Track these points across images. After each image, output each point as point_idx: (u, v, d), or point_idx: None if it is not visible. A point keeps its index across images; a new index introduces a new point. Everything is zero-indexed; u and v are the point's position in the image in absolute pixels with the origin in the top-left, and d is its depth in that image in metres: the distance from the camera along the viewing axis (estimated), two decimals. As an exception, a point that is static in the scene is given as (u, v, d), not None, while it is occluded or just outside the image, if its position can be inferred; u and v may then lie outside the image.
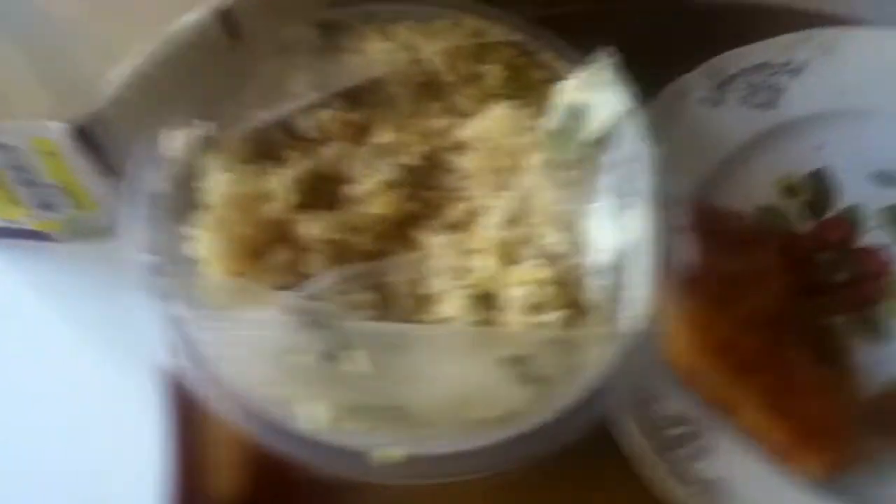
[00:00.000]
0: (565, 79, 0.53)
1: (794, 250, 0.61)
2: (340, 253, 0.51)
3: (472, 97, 0.55)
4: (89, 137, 0.53)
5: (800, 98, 0.65)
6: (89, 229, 0.58)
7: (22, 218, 0.59)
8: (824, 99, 0.65)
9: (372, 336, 0.47)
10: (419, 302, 0.50)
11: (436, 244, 0.51)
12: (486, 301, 0.49)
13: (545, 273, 0.49)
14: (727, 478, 0.53)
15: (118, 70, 0.52)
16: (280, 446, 0.46)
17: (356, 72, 0.55)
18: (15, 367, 0.59)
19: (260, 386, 0.47)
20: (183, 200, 0.51)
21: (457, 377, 0.47)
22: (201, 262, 0.50)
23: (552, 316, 0.48)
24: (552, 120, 0.52)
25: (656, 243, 0.49)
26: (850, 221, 0.61)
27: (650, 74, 0.62)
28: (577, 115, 0.52)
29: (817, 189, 0.63)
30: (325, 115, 0.54)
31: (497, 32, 0.56)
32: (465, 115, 0.55)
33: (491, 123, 0.53)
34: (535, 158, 0.52)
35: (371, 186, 0.52)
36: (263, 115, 0.53)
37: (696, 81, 0.65)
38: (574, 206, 0.51)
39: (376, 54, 0.55)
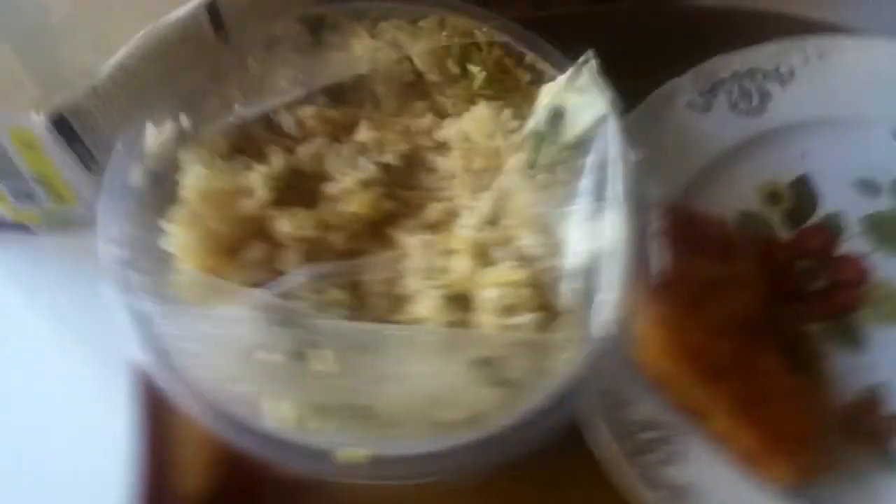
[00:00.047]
0: (549, 81, 0.53)
1: (774, 257, 0.61)
2: (316, 251, 0.51)
3: (457, 97, 0.55)
4: (69, 129, 0.53)
5: (787, 105, 0.65)
6: (68, 222, 0.58)
7: (0, 209, 0.59)
8: (811, 107, 0.65)
9: (342, 335, 0.47)
10: (393, 301, 0.50)
11: (411, 244, 0.51)
12: (459, 302, 0.49)
13: (519, 275, 0.49)
14: (697, 483, 0.53)
15: (102, 62, 0.52)
16: (246, 444, 0.46)
17: (341, 69, 0.55)
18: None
19: (227, 383, 0.47)
20: (162, 194, 0.51)
21: (426, 378, 0.47)
22: (175, 257, 0.50)
23: (525, 318, 0.48)
24: (533, 122, 0.52)
25: (630, 247, 0.49)
26: (830, 229, 0.62)
27: (638, 77, 0.63)
28: (557, 117, 0.52)
29: (799, 196, 0.63)
30: (306, 111, 0.54)
31: (484, 33, 0.56)
32: (449, 115, 0.55)
33: (471, 124, 0.53)
34: (515, 160, 0.52)
35: (349, 184, 0.52)
36: (245, 111, 0.53)
37: (684, 86, 0.65)
38: (551, 209, 0.51)
39: (362, 52, 0.55)
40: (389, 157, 0.53)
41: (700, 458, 0.54)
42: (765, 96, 0.65)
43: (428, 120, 0.55)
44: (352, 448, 0.45)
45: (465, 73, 0.56)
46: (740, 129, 0.64)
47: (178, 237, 0.50)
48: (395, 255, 0.51)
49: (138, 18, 0.52)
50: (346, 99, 0.56)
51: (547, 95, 0.53)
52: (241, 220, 0.51)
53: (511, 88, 0.55)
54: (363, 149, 0.54)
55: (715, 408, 0.53)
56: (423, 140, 0.54)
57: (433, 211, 0.52)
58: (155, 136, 0.51)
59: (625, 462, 0.53)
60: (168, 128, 0.52)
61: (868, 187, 0.63)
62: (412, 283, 0.50)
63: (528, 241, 0.50)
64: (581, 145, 0.51)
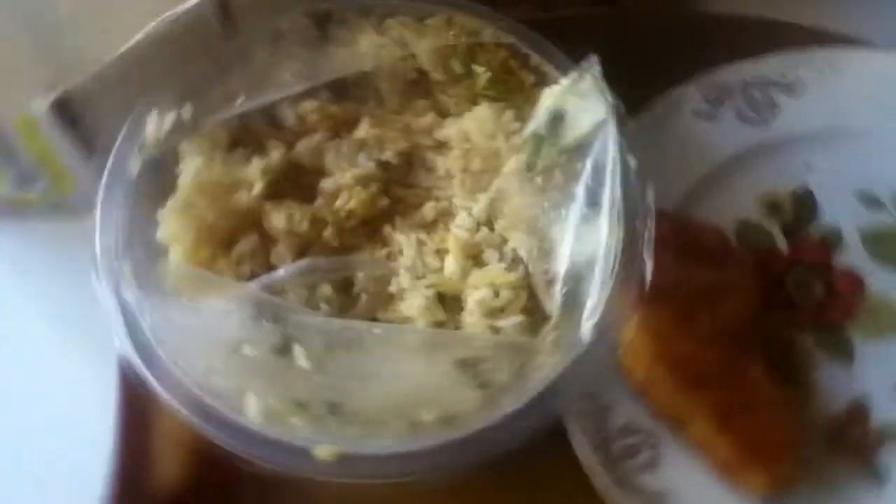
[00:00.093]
0: (553, 84, 0.54)
1: (770, 267, 0.61)
2: (308, 245, 0.51)
3: (460, 97, 0.56)
4: (70, 115, 0.53)
5: (794, 116, 0.65)
6: (67, 207, 0.59)
7: (1, 191, 0.59)
8: (818, 118, 0.65)
9: (326, 332, 0.47)
10: (382, 299, 0.50)
11: (404, 242, 0.51)
12: (447, 302, 0.50)
13: (509, 277, 0.50)
14: (674, 491, 0.53)
15: (109, 50, 0.52)
16: (224, 439, 0.46)
17: (346, 64, 0.55)
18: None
19: (208, 376, 0.47)
20: (161, 184, 0.52)
21: (409, 377, 0.47)
22: (168, 247, 0.50)
23: (511, 321, 0.49)
24: (533, 124, 0.53)
25: (621, 254, 0.49)
26: (828, 241, 0.61)
27: (644, 82, 0.63)
28: (557, 120, 0.52)
29: (799, 207, 0.63)
30: (307, 106, 0.54)
31: (490, 33, 0.56)
32: (451, 114, 0.56)
33: (472, 124, 0.54)
34: (513, 162, 0.52)
35: (345, 181, 0.52)
36: (248, 103, 0.53)
37: (692, 93, 0.65)
38: (546, 212, 0.51)
39: (367, 48, 0.56)
40: (389, 155, 0.54)
41: (678, 466, 0.54)
42: (772, 106, 0.65)
43: (429, 118, 0.55)
44: (330, 446, 0.45)
45: (469, 72, 0.56)
46: (745, 138, 0.64)
47: (172, 228, 0.50)
48: (386, 252, 0.52)
49: (148, 8, 0.53)
50: (349, 94, 0.56)
51: (548, 98, 0.53)
52: (236, 213, 0.51)
53: (515, 90, 0.56)
54: (363, 145, 0.54)
55: (694, 415, 0.53)
56: (423, 139, 0.55)
57: (429, 210, 0.53)
58: (156, 125, 0.52)
59: (604, 466, 0.53)
60: (169, 118, 0.52)
61: (869, 201, 0.63)
62: (403, 282, 0.50)
63: (520, 243, 0.51)
64: (580, 149, 0.52)
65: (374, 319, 0.50)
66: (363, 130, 0.54)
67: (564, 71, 0.54)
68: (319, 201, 0.52)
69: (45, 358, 0.57)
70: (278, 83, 0.54)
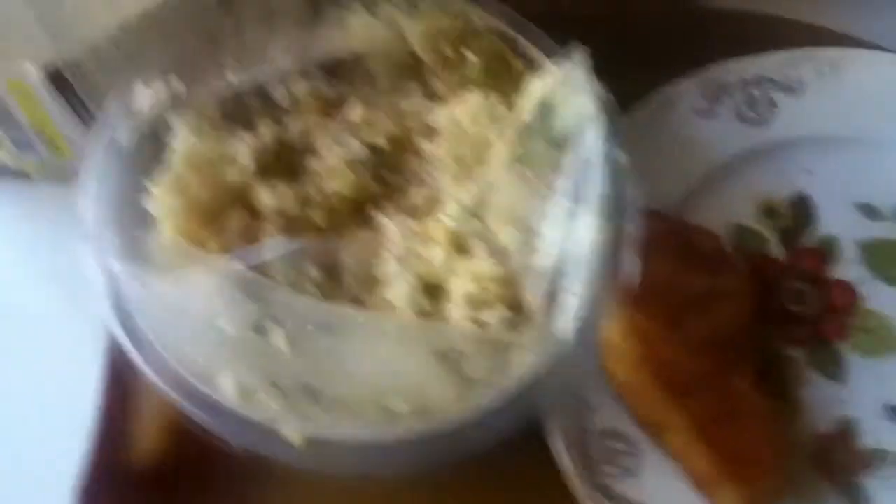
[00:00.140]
0: (544, 73, 0.52)
1: (765, 275, 0.59)
2: (295, 225, 0.51)
3: (451, 82, 0.55)
4: (66, 84, 0.53)
5: (794, 118, 0.63)
6: (65, 173, 0.57)
7: (2, 156, 0.59)
8: (819, 121, 0.63)
9: (305, 314, 0.47)
10: (366, 283, 0.50)
11: (391, 228, 0.51)
12: (431, 291, 0.49)
13: (494, 270, 0.48)
14: (648, 500, 0.52)
15: (111, 19, 0.52)
16: (196, 414, 0.46)
17: (338, 45, 0.55)
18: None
19: (185, 349, 0.47)
20: (150, 155, 0.52)
21: (385, 365, 0.47)
22: (156, 219, 0.50)
23: (493, 314, 0.48)
24: (523, 116, 0.51)
25: (603, 252, 0.48)
26: (826, 251, 0.60)
27: (645, 77, 0.61)
28: (545, 112, 0.51)
29: (798, 214, 0.61)
30: (299, 86, 0.54)
31: (482, 19, 0.55)
32: (442, 99, 0.55)
33: (463, 111, 0.53)
34: (502, 152, 0.51)
35: (334, 162, 0.52)
36: (239, 79, 0.53)
37: (690, 89, 0.63)
38: (532, 205, 0.50)
39: (360, 30, 0.55)
40: (378, 139, 0.53)
41: (656, 476, 0.53)
42: (772, 106, 0.63)
43: (420, 103, 0.54)
44: (300, 428, 0.45)
45: (460, 58, 0.55)
46: (743, 139, 0.62)
47: (161, 200, 0.50)
48: (372, 237, 0.51)
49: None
50: (340, 75, 0.55)
51: (537, 89, 0.52)
52: (225, 189, 0.51)
53: (505, 78, 0.55)
54: (353, 128, 0.53)
55: (675, 423, 0.52)
56: (413, 123, 0.54)
57: (417, 196, 0.52)
58: (146, 97, 0.52)
59: (581, 470, 0.52)
60: (160, 90, 0.52)
61: (869, 212, 0.61)
62: (388, 267, 0.50)
63: (505, 236, 0.49)
64: (567, 143, 0.50)
65: (359, 303, 0.49)
66: (353, 113, 0.54)
67: (556, 61, 0.53)
68: (308, 181, 0.52)
69: (35, 323, 0.58)
70: (271, 60, 0.54)
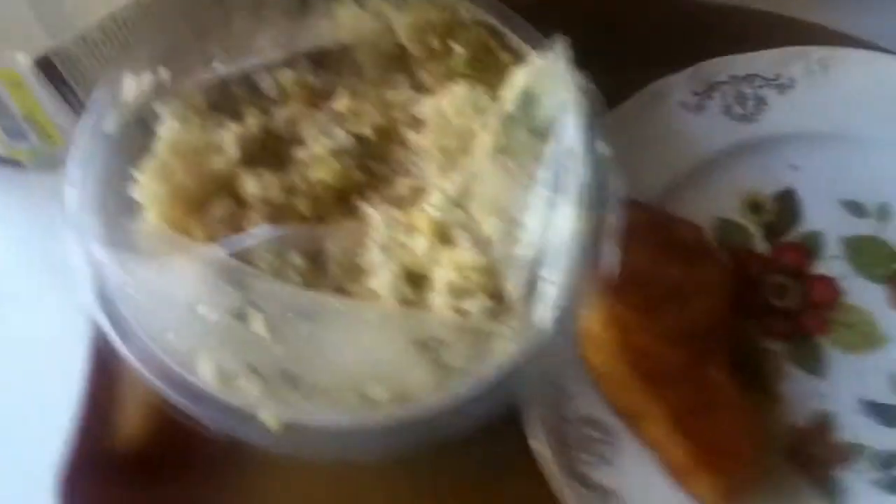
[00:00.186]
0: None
1: (747, 269, 0.60)
2: (281, 214, 0.51)
3: (438, 74, 0.55)
4: (55, 73, 0.54)
5: (782, 115, 0.63)
6: (57, 161, 0.58)
7: None
8: (807, 118, 0.63)
9: (286, 301, 0.47)
10: (350, 272, 0.50)
11: (375, 217, 0.51)
12: (414, 280, 0.50)
13: (476, 260, 0.49)
14: (625, 488, 0.53)
15: (99, 10, 0.53)
16: (175, 398, 0.46)
17: (325, 35, 0.55)
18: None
19: (165, 333, 0.47)
20: (137, 143, 0.52)
21: (364, 352, 0.47)
22: (141, 206, 0.51)
23: (475, 303, 0.48)
24: (506, 106, 0.52)
25: (583, 242, 0.48)
26: (808, 247, 0.60)
27: (636, 70, 0.62)
28: (527, 102, 0.52)
29: (782, 209, 0.61)
30: (285, 75, 0.54)
31: (469, 11, 0.56)
32: (428, 91, 0.55)
33: (448, 102, 0.53)
34: (485, 143, 0.51)
35: (319, 151, 0.52)
36: (226, 68, 0.54)
37: (679, 84, 0.63)
38: (514, 195, 0.50)
39: (347, 20, 0.55)
40: (364, 129, 0.54)
41: (632, 464, 0.53)
42: (761, 103, 0.63)
43: (406, 94, 0.55)
44: (277, 413, 0.45)
45: (447, 50, 0.55)
46: (731, 134, 0.63)
47: (147, 187, 0.51)
48: (356, 226, 0.51)
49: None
50: (328, 65, 0.56)
51: (520, 79, 0.52)
52: (210, 177, 0.51)
53: (492, 70, 0.55)
54: (339, 118, 0.54)
55: (651, 412, 0.52)
56: (399, 114, 0.54)
57: (401, 186, 0.53)
58: (133, 85, 0.52)
59: (558, 457, 0.53)
60: (147, 79, 0.52)
61: (855, 209, 0.61)
62: (373, 256, 0.50)
63: (488, 225, 0.50)
64: (548, 133, 0.51)
65: (343, 291, 0.50)
66: (340, 103, 0.54)
67: (539, 52, 0.53)
68: (293, 170, 0.52)
69: (24, 310, 0.59)
70: (258, 50, 0.54)
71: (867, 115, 0.63)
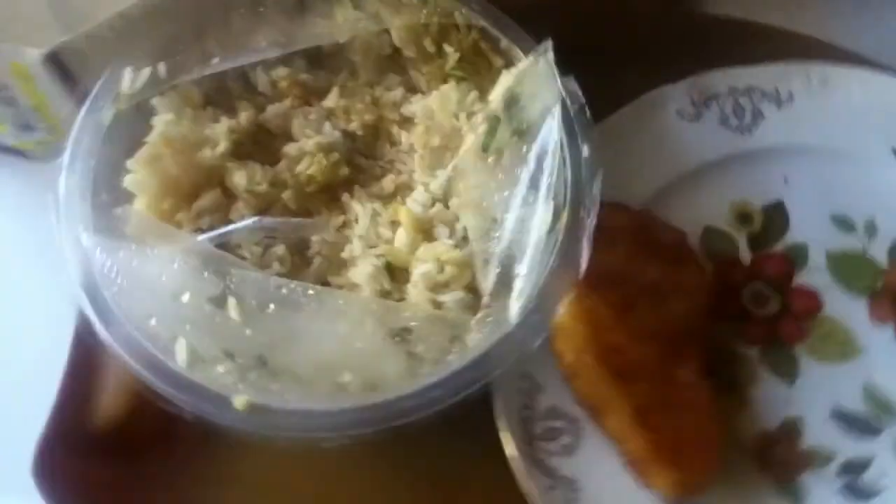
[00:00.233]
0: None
1: (729, 275, 0.61)
2: (268, 206, 0.53)
3: (430, 75, 0.57)
4: (63, 67, 0.55)
5: (778, 128, 0.64)
6: (60, 151, 0.59)
7: (1, 134, 0.62)
8: (802, 133, 0.63)
9: (263, 288, 0.49)
10: (335, 264, 0.52)
11: (359, 211, 0.53)
12: (396, 273, 0.51)
13: (454, 254, 0.51)
14: (584, 479, 0.54)
15: (109, 7, 0.55)
16: (151, 379, 0.48)
17: (321, 35, 0.57)
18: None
19: (146, 319, 0.49)
20: (133, 135, 0.54)
21: (337, 341, 0.48)
22: (132, 195, 0.52)
23: (453, 296, 0.50)
24: (491, 106, 0.54)
25: (559, 240, 0.50)
26: (792, 259, 0.61)
27: (636, 78, 0.63)
28: (512, 103, 0.53)
29: (770, 221, 0.62)
30: (279, 72, 0.56)
31: (464, 14, 0.57)
32: (421, 91, 0.57)
33: (437, 102, 0.55)
34: (470, 141, 0.53)
35: (309, 147, 0.54)
36: (222, 64, 0.55)
37: (678, 93, 0.64)
38: (494, 193, 0.52)
39: (344, 21, 0.57)
40: (354, 126, 0.55)
41: (594, 456, 0.55)
42: (758, 116, 0.64)
43: (398, 93, 0.56)
44: (250, 398, 0.47)
45: (440, 52, 0.57)
46: (725, 145, 0.63)
47: (137, 176, 0.52)
48: (340, 219, 0.53)
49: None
50: (324, 65, 0.58)
51: (506, 80, 0.54)
52: (201, 169, 0.53)
53: (483, 72, 0.57)
54: (330, 114, 0.56)
55: (614, 407, 0.54)
56: (389, 113, 0.56)
57: (388, 182, 0.55)
58: (131, 80, 0.54)
59: (523, 446, 0.54)
60: (145, 73, 0.54)
61: (842, 224, 0.61)
62: (355, 249, 0.52)
63: (469, 222, 0.52)
64: (531, 133, 0.52)
65: (326, 283, 0.51)
66: (331, 100, 0.56)
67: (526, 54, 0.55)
68: (282, 165, 0.54)
69: (19, 294, 0.61)
70: (254, 48, 0.56)
71: (862, 132, 0.63)
